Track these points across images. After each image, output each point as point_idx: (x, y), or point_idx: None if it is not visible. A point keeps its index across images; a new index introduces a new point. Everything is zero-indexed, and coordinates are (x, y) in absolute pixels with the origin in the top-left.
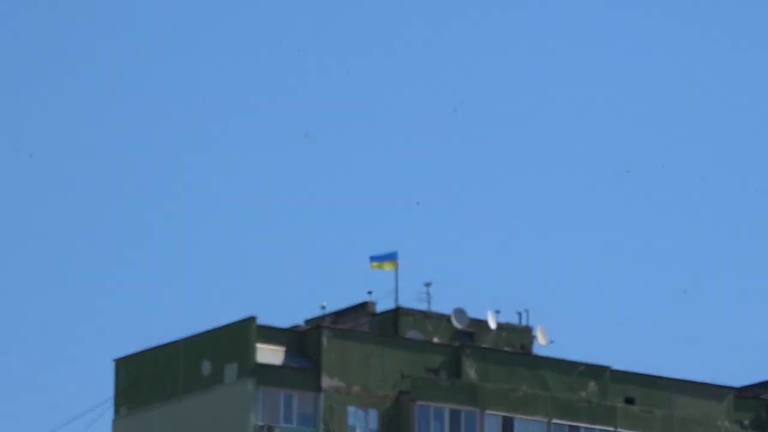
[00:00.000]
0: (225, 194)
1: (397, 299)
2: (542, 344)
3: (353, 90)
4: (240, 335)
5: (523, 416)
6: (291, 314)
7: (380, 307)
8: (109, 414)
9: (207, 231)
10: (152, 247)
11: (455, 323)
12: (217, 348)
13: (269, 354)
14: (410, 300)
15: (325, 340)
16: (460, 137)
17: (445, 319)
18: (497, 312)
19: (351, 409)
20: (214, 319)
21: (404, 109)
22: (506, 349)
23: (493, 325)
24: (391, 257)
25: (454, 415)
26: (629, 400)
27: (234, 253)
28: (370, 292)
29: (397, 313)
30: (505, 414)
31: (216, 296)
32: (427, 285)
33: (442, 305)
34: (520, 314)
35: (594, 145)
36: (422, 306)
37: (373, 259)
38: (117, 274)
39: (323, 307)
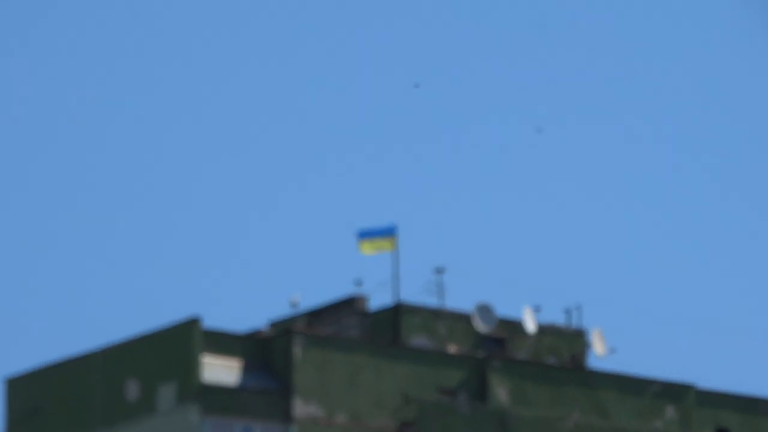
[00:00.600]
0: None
1: (397, 292)
2: (600, 354)
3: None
4: (179, 344)
5: None
6: (250, 314)
7: (374, 304)
8: None
9: (129, 204)
10: (63, 230)
11: (478, 325)
12: (148, 362)
13: (220, 370)
14: (415, 293)
15: (297, 350)
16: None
17: (464, 319)
18: (537, 309)
19: None
20: (144, 322)
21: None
22: (550, 361)
23: (531, 327)
24: (388, 233)
25: None
26: (722, 431)
27: (169, 234)
28: (360, 284)
29: (398, 311)
30: None
31: (148, 293)
32: (439, 272)
33: (460, 300)
34: (569, 312)
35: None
36: (432, 302)
37: (362, 236)
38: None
39: (294, 304)
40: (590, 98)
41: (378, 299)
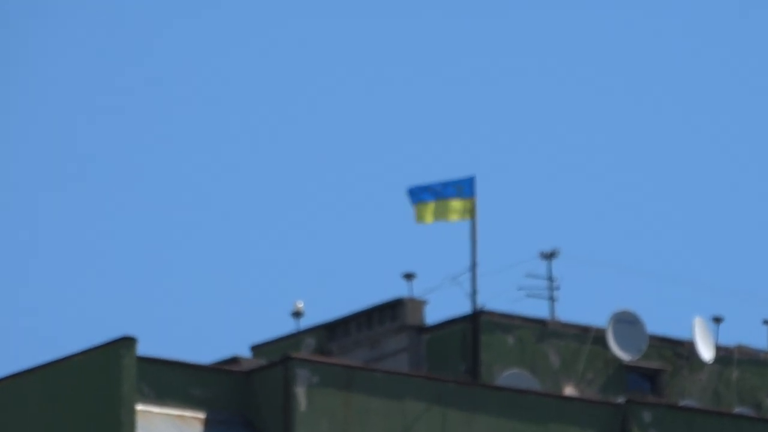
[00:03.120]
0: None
1: (475, 293)
2: None
3: None
4: (96, 382)
5: None
6: (219, 335)
7: (435, 311)
8: None
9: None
10: None
11: (617, 350)
12: (43, 411)
13: (168, 425)
14: (507, 295)
15: (300, 392)
16: None
17: (591, 336)
18: (717, 320)
19: None
20: (53, 347)
21: None
22: (738, 409)
23: (707, 352)
24: (461, 193)
25: None
26: None
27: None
28: (409, 276)
29: (478, 324)
30: None
31: (77, 307)
32: (548, 256)
33: (583, 306)
34: None
35: None
36: (535, 309)
37: (415, 197)
38: None
39: (298, 314)
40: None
41: (442, 304)
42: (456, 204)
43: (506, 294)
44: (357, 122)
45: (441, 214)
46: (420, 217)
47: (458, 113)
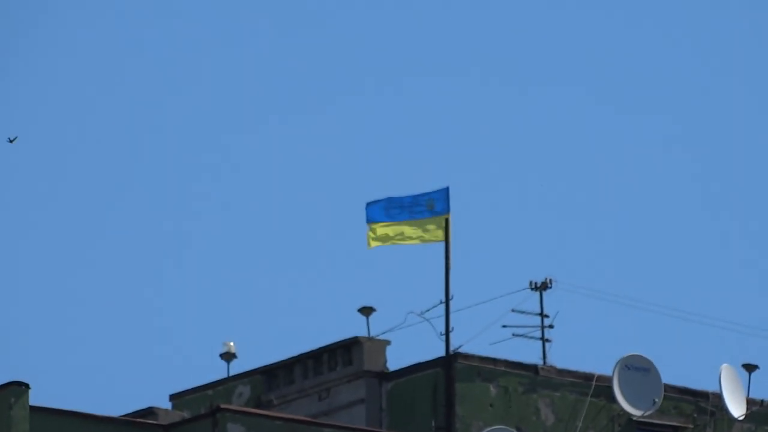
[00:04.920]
0: None
1: (448, 334)
2: None
3: None
4: None
5: None
6: (134, 384)
7: (398, 355)
8: None
9: None
10: None
11: (626, 403)
12: None
13: None
14: (486, 336)
15: None
16: None
17: (593, 385)
18: (749, 367)
19: None
20: None
21: None
22: None
23: (736, 406)
24: (434, 208)
25: None
26: None
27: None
28: (367, 310)
29: (452, 369)
30: None
31: None
32: (539, 288)
33: (583, 350)
34: None
35: None
36: (522, 352)
37: (373, 214)
38: None
39: (229, 356)
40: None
41: (408, 344)
42: (425, 223)
43: (487, 333)
44: (304, 131)
45: (405, 235)
46: (377, 239)
47: (430, 121)
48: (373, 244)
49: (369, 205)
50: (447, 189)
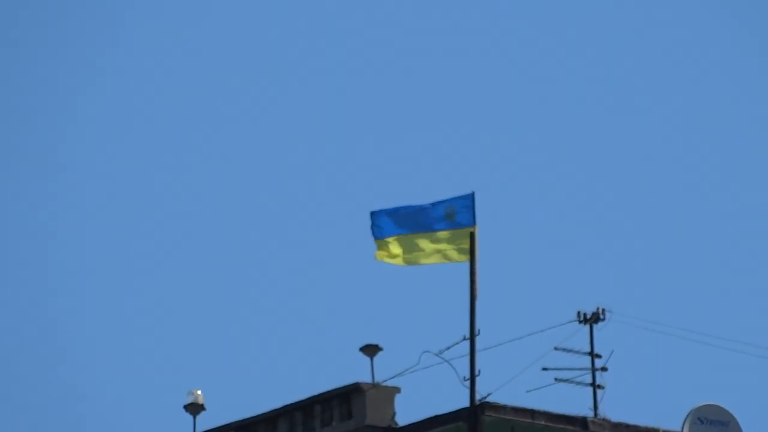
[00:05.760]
0: None
1: (473, 379)
2: None
3: None
4: None
5: None
6: None
7: (408, 407)
8: None
9: None
10: None
11: None
12: None
13: None
14: (521, 381)
15: None
16: None
17: None
18: None
19: None
20: None
21: None
22: None
23: None
24: (455, 219)
25: None
26: None
27: None
28: (371, 349)
29: (478, 422)
30: None
31: None
32: (589, 320)
33: (643, 399)
34: None
35: None
36: (567, 401)
37: (381, 227)
38: None
39: (195, 407)
40: None
41: (422, 392)
42: (445, 238)
43: (523, 378)
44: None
45: (420, 254)
46: (387, 256)
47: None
48: (382, 257)
49: (374, 214)
50: (472, 195)
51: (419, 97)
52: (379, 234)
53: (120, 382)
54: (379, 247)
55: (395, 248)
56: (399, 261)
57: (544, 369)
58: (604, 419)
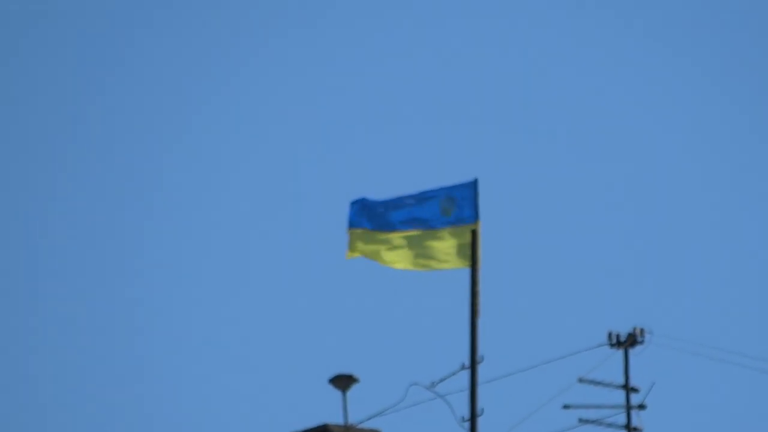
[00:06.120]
0: None
1: (474, 417)
2: None
3: None
4: None
5: None
6: None
7: None
8: None
9: None
10: None
11: None
12: None
13: None
14: (538, 418)
15: None
16: None
17: None
18: None
19: None
20: None
21: None
22: None
23: None
24: (454, 213)
25: None
26: None
27: None
28: (345, 381)
29: None
30: None
31: None
32: (623, 344)
33: None
34: None
35: None
36: None
37: (357, 218)
38: None
39: None
40: None
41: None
42: (439, 237)
43: (540, 417)
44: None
45: (406, 257)
46: (355, 250)
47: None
48: (354, 253)
49: (354, 204)
50: (475, 183)
51: (419, 97)
52: (355, 225)
53: None
54: (352, 243)
55: (375, 248)
56: (379, 260)
57: (566, 407)
58: None
